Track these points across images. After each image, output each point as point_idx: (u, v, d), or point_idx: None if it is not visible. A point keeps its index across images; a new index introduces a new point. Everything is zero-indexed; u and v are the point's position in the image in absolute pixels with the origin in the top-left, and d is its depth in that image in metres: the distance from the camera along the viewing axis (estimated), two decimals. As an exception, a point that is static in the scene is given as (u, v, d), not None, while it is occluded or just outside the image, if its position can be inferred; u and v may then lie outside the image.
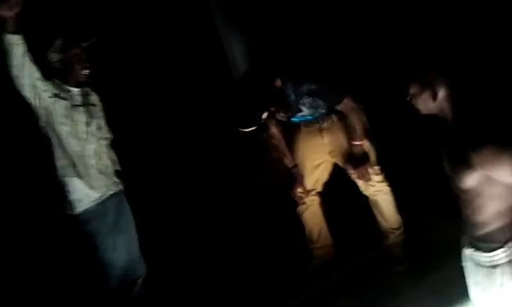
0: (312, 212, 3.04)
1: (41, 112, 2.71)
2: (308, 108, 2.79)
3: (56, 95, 2.72)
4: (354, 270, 3.02)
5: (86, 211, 2.78)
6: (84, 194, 2.77)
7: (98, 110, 2.93)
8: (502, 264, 1.59)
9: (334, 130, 2.88)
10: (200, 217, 4.04)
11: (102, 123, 2.94)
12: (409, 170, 3.19)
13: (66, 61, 2.78)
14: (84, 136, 2.79)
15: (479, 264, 1.65)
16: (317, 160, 2.96)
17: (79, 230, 2.81)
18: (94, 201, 2.78)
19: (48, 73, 2.73)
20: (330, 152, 2.93)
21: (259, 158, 3.88)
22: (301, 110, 2.80)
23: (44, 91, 2.67)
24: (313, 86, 2.70)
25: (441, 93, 1.61)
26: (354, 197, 3.04)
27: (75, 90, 2.81)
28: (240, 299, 3.08)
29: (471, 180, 1.56)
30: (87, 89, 2.89)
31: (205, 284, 3.27)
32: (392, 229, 2.92)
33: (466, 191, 1.60)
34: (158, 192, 4.19)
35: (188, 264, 3.51)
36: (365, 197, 2.94)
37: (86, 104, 2.84)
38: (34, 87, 2.66)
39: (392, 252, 2.93)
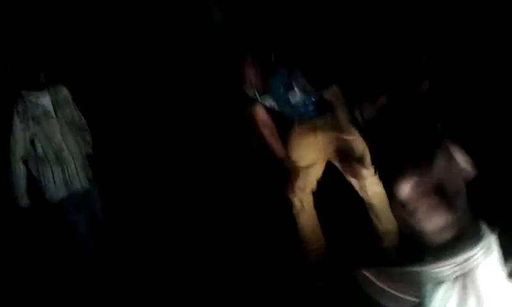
0: (306, 212, 3.03)
1: None
2: (300, 90, 2.76)
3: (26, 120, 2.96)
4: (347, 271, 3.02)
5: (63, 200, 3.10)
6: (60, 184, 3.07)
7: (69, 104, 3.13)
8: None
9: (328, 129, 2.87)
10: (198, 216, 4.00)
11: (75, 115, 3.16)
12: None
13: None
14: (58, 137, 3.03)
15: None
16: (311, 158, 2.95)
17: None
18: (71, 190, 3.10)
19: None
20: (324, 150, 2.92)
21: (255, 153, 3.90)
22: (293, 89, 2.76)
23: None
24: (305, 68, 2.72)
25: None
26: (351, 198, 3.04)
27: (41, 95, 3.01)
28: (237, 298, 3.07)
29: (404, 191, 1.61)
30: (53, 87, 3.06)
31: (200, 283, 3.26)
32: (387, 231, 2.93)
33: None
34: (157, 192, 4.17)
35: (184, 264, 3.49)
36: (361, 199, 2.94)
37: (56, 106, 3.05)
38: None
39: (387, 254, 2.92)
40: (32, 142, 3.01)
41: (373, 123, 2.45)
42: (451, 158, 1.67)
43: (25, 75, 3.00)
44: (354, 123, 2.81)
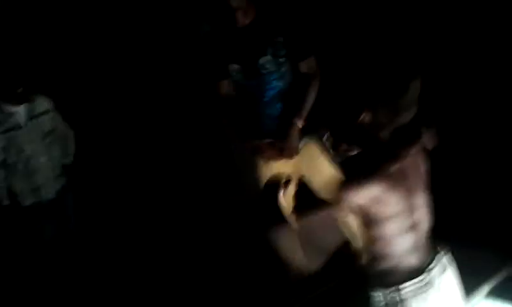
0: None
1: None
2: (272, 55, 2.68)
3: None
4: (327, 291, 3.01)
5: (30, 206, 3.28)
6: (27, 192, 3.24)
7: (48, 115, 3.27)
8: None
9: (298, 156, 2.85)
10: (195, 218, 4.08)
11: (55, 125, 3.30)
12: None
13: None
14: (28, 150, 3.17)
15: None
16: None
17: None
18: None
19: None
20: (297, 173, 2.90)
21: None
22: (264, 54, 2.66)
23: None
24: (285, 31, 2.67)
25: None
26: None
27: (16, 109, 3.14)
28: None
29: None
30: (32, 101, 3.17)
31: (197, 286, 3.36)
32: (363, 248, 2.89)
33: None
34: (156, 192, 4.25)
35: (181, 266, 3.59)
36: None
37: (32, 118, 3.18)
38: None
39: (365, 272, 2.89)
40: (3, 152, 3.15)
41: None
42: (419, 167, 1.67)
43: (3, 88, 3.12)
44: (324, 147, 2.82)
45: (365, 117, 1.62)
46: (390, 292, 1.63)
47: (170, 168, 4.32)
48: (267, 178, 2.84)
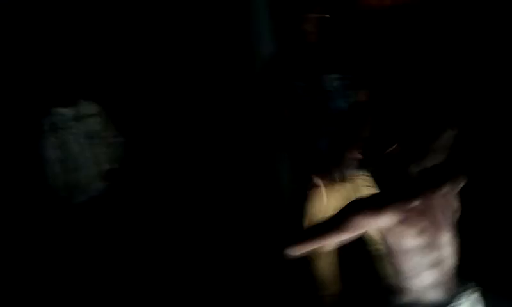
0: (326, 261, 3.04)
1: None
2: (339, 75, 2.73)
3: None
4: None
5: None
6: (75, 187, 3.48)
7: (94, 119, 3.54)
8: None
9: (349, 186, 2.87)
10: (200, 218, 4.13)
11: (101, 129, 3.56)
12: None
13: None
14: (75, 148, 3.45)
15: None
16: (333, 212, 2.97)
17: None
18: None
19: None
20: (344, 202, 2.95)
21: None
22: (333, 71, 2.72)
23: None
24: (353, 51, 2.76)
25: None
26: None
27: (65, 110, 3.44)
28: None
29: None
30: (79, 104, 3.49)
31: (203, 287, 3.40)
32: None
33: None
34: (159, 191, 4.31)
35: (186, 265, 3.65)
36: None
37: (79, 119, 3.48)
38: None
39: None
40: (54, 150, 3.44)
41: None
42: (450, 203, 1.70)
43: (52, 92, 3.46)
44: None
45: (394, 150, 1.66)
46: None
47: (218, 178, 4.35)
48: (314, 204, 2.96)
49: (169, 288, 3.57)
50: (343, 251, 3.07)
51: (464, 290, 1.70)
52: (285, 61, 2.89)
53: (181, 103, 4.38)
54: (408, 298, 1.65)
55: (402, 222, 1.59)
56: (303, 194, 3.01)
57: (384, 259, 1.71)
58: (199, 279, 3.62)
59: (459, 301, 1.66)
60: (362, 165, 2.86)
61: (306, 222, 2.99)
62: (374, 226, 1.60)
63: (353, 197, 2.73)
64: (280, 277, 3.50)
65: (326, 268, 3.08)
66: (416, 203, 1.61)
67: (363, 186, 2.89)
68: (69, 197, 3.54)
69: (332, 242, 1.70)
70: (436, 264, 1.63)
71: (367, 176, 2.92)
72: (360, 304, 3.18)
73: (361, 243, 2.99)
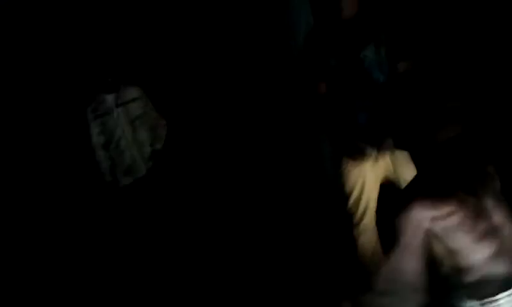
0: (368, 236, 3.04)
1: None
2: (375, 48, 2.73)
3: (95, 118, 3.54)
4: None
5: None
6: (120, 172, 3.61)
7: (137, 103, 3.65)
8: None
9: (392, 158, 2.87)
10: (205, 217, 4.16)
11: (144, 112, 3.67)
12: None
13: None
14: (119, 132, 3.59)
15: None
16: (375, 185, 2.97)
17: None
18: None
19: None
20: (386, 174, 2.96)
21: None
22: (368, 45, 2.72)
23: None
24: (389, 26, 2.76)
25: None
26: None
27: (107, 96, 3.56)
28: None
29: None
30: (124, 89, 3.60)
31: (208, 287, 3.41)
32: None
33: None
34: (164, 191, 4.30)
35: (192, 265, 3.67)
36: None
37: (121, 104, 3.57)
38: None
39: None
40: (98, 136, 3.60)
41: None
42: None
43: (95, 79, 3.59)
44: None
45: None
46: (484, 304, 1.54)
47: (253, 168, 4.38)
48: (356, 180, 2.97)
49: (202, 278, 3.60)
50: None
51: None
52: (321, 36, 2.89)
53: (222, 86, 4.43)
54: (473, 276, 1.55)
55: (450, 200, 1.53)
56: (343, 170, 3.01)
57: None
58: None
59: None
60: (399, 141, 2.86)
61: (348, 199, 3.00)
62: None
63: (393, 172, 2.86)
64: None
65: (367, 241, 3.08)
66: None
67: (404, 160, 2.86)
68: (114, 181, 3.67)
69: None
70: (490, 234, 1.54)
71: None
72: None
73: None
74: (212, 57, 4.41)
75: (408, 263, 1.53)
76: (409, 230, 1.52)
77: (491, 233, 1.55)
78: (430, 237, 1.53)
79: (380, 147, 2.86)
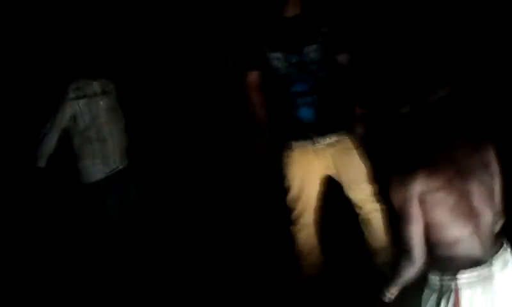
0: (306, 231, 2.99)
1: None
2: (318, 44, 2.74)
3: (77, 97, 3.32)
4: (341, 289, 3.03)
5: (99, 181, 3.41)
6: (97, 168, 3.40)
7: (114, 96, 3.50)
8: None
9: (331, 151, 2.86)
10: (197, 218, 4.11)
11: (117, 107, 3.51)
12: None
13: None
14: (102, 118, 3.39)
15: None
16: (313, 181, 2.93)
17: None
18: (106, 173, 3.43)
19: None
20: (325, 170, 2.92)
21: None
22: (311, 42, 2.73)
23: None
24: (331, 20, 2.77)
25: None
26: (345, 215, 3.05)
27: (94, 82, 3.39)
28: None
29: None
30: (104, 80, 3.45)
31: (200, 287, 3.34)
32: (382, 249, 2.91)
33: None
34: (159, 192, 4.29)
35: (185, 266, 3.59)
36: (355, 215, 2.94)
37: (103, 93, 3.44)
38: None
39: (381, 272, 2.92)
40: (75, 118, 3.36)
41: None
42: (484, 160, 1.68)
43: (84, 65, 3.38)
44: (357, 137, 2.85)
45: (403, 107, 1.71)
46: (446, 278, 1.63)
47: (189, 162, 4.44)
48: (297, 174, 2.91)
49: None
50: (327, 219, 3.13)
51: (502, 248, 1.69)
52: (262, 33, 2.86)
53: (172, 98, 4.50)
54: (443, 251, 1.64)
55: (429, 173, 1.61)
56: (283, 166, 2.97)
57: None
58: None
59: (495, 260, 1.65)
60: (349, 128, 2.85)
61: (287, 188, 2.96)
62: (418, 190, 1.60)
63: (340, 161, 2.85)
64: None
65: (308, 238, 3.01)
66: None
67: (344, 149, 2.86)
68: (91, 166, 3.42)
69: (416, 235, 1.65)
70: (468, 215, 1.62)
71: (351, 138, 2.86)
72: (342, 274, 3.13)
73: (346, 209, 2.98)
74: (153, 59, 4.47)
75: (415, 229, 1.63)
76: (411, 200, 1.62)
77: (469, 215, 1.63)
78: (422, 208, 1.62)
79: (319, 142, 2.83)
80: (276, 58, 2.79)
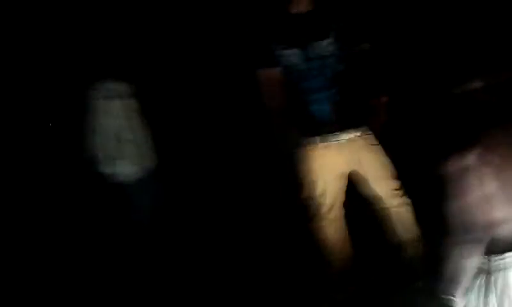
0: (336, 226, 2.97)
1: None
2: (334, 38, 2.73)
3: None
4: (373, 283, 3.01)
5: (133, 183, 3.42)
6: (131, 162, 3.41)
7: (135, 100, 3.46)
8: None
9: (355, 146, 2.83)
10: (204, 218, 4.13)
11: (136, 109, 3.47)
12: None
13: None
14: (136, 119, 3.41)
15: None
16: (338, 176, 2.91)
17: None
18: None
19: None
20: (351, 165, 2.89)
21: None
22: (327, 36, 2.71)
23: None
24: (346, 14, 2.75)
25: None
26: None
27: (119, 83, 3.39)
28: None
29: None
30: (121, 81, 3.43)
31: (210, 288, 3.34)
32: (412, 241, 2.89)
33: None
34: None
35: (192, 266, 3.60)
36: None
37: (129, 95, 3.42)
38: None
39: (412, 266, 2.90)
40: (108, 119, 3.39)
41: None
42: None
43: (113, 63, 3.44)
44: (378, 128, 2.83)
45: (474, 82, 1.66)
46: (493, 260, 1.62)
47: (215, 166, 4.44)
48: (321, 170, 2.89)
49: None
50: (351, 215, 3.08)
51: None
52: (276, 30, 2.83)
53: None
54: (476, 234, 1.59)
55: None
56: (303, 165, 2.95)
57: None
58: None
59: None
60: (366, 124, 2.82)
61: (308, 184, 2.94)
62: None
63: (363, 156, 2.83)
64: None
65: (335, 234, 3.00)
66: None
67: (367, 145, 2.84)
68: (107, 168, 3.44)
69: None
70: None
71: (369, 134, 2.85)
72: (372, 269, 3.12)
73: (368, 204, 2.96)
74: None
75: (470, 201, 1.58)
76: (467, 170, 1.58)
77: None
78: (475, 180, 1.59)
79: (341, 137, 2.81)
80: (294, 55, 2.78)
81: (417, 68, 3.70)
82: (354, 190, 2.98)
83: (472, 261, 1.62)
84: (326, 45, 2.74)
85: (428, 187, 3.24)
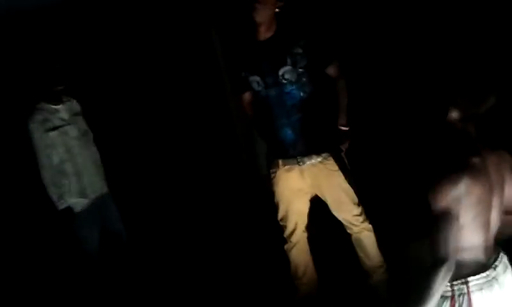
0: (298, 249, 2.97)
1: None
2: (291, 66, 2.71)
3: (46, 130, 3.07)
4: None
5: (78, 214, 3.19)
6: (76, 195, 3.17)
7: (80, 117, 3.26)
8: None
9: (315, 171, 2.83)
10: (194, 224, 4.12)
11: (85, 127, 3.28)
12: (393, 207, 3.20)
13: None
14: (75, 148, 3.17)
15: None
16: (300, 199, 2.91)
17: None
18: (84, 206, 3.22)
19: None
20: (312, 189, 2.90)
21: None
22: (284, 63, 2.71)
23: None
24: (306, 38, 2.72)
25: None
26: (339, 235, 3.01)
27: (59, 107, 3.14)
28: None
29: None
30: (69, 101, 3.21)
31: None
32: (375, 267, 2.90)
33: None
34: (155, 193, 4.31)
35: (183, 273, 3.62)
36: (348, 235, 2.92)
37: (71, 118, 3.19)
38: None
39: (376, 291, 2.89)
40: (48, 154, 3.11)
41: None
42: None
43: (45, 88, 3.12)
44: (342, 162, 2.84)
45: (452, 113, 1.68)
46: (457, 284, 1.66)
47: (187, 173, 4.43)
48: (284, 193, 2.90)
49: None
50: (318, 237, 3.09)
51: (500, 252, 1.76)
52: (241, 57, 2.85)
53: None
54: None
55: (470, 181, 1.61)
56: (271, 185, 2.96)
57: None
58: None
59: (497, 264, 1.71)
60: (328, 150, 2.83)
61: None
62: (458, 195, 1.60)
63: (324, 182, 2.83)
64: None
65: (300, 256, 3.00)
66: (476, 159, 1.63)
67: (327, 170, 2.83)
68: (59, 202, 3.18)
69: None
70: (485, 226, 1.67)
71: (330, 160, 2.84)
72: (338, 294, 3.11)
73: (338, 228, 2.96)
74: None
75: (453, 230, 1.61)
76: (457, 200, 1.61)
77: (486, 225, 1.68)
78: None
79: (304, 162, 2.82)
80: (255, 81, 2.79)
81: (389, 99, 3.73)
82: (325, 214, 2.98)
83: (439, 287, 1.62)
84: (285, 72, 2.74)
85: (398, 210, 3.31)
